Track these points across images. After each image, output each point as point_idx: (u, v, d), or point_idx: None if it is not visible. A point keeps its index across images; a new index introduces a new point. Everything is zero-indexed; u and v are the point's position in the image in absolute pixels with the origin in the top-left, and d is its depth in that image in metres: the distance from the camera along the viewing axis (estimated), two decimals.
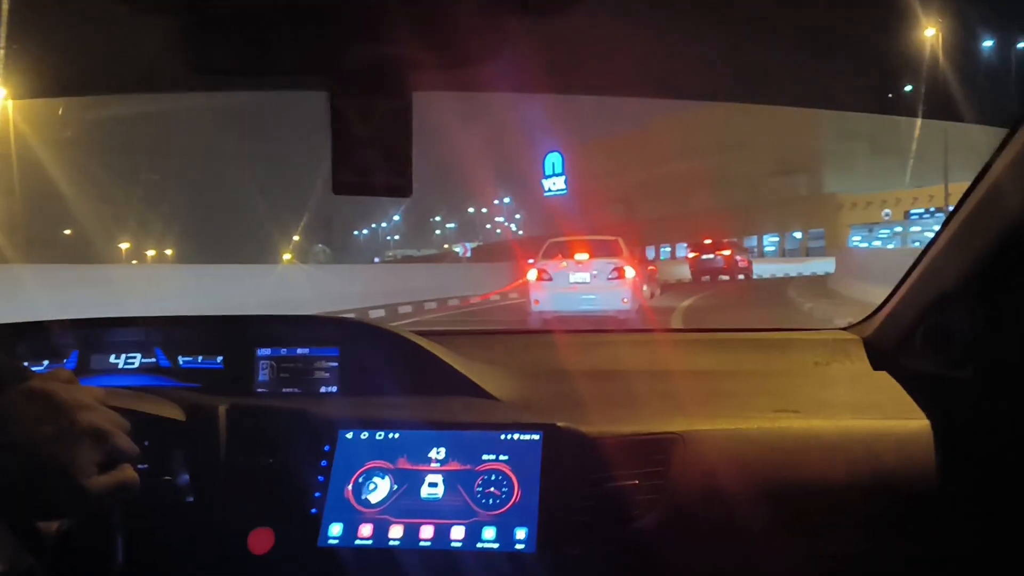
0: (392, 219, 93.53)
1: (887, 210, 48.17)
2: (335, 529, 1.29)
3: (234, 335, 1.64)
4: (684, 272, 32.26)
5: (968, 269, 1.35)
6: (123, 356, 1.64)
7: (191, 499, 1.31)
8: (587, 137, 55.46)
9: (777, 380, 1.57)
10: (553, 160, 52.91)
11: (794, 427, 1.34)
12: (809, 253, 47.62)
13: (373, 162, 1.00)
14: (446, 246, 78.46)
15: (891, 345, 1.56)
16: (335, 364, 1.59)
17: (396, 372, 1.54)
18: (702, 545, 1.26)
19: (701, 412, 1.39)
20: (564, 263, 12.55)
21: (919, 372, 1.46)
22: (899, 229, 50.88)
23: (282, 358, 1.61)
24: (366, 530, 1.28)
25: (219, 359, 1.61)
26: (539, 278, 12.48)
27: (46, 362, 1.61)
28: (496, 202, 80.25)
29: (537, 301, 12.27)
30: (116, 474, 0.90)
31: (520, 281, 17.75)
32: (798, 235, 53.26)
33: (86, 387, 0.95)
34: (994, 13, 1.34)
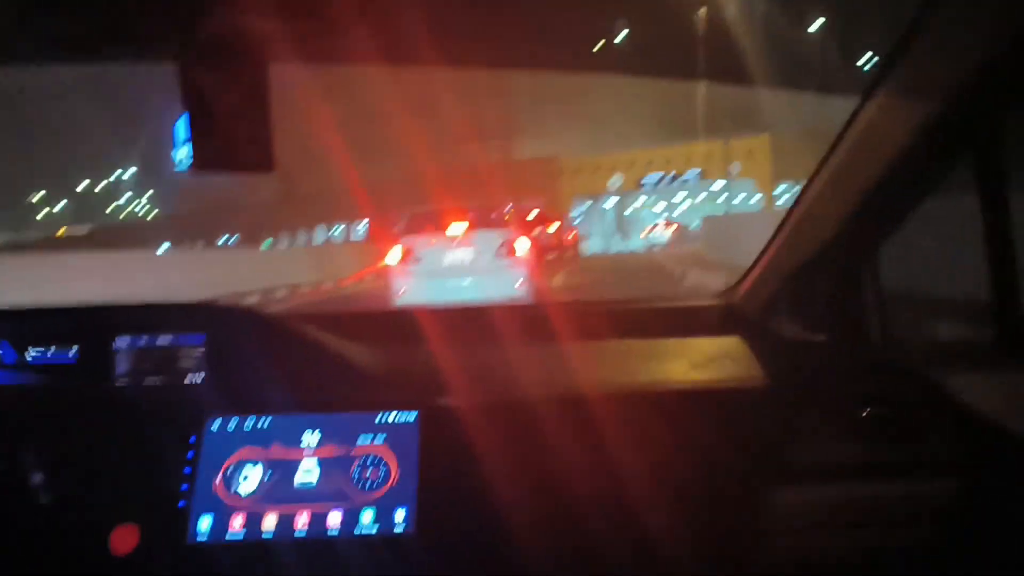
0: None
1: (616, 176, 44.52)
2: (204, 523, 1.36)
3: (88, 325, 1.68)
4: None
5: (826, 236, 1.57)
6: None
7: (46, 500, 1.38)
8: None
9: (648, 348, 1.73)
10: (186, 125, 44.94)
11: (662, 391, 1.52)
12: None
13: (231, 137, 1.06)
14: (63, 230, 71.00)
15: (756, 311, 1.77)
16: (201, 351, 1.61)
17: (267, 356, 1.58)
18: (586, 514, 1.39)
19: (574, 379, 1.57)
20: (435, 239, 10.83)
21: (780, 336, 1.70)
22: (614, 200, 45.93)
23: (143, 348, 1.63)
24: (238, 522, 1.36)
25: (72, 351, 1.63)
26: (404, 260, 10.69)
27: None
28: (115, 177, 73.69)
29: (403, 291, 10.50)
30: None
31: (375, 266, 17.10)
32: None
33: None
34: None
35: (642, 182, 44.90)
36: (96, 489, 1.39)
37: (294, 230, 52.45)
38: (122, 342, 1.62)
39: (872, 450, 1.46)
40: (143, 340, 1.62)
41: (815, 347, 1.66)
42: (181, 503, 1.38)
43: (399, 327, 1.86)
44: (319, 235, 52.71)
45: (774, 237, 1.74)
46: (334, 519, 1.36)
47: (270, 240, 50.04)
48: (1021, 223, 1.43)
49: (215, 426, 1.46)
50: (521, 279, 10.59)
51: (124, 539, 1.34)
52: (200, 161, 1.06)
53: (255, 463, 1.42)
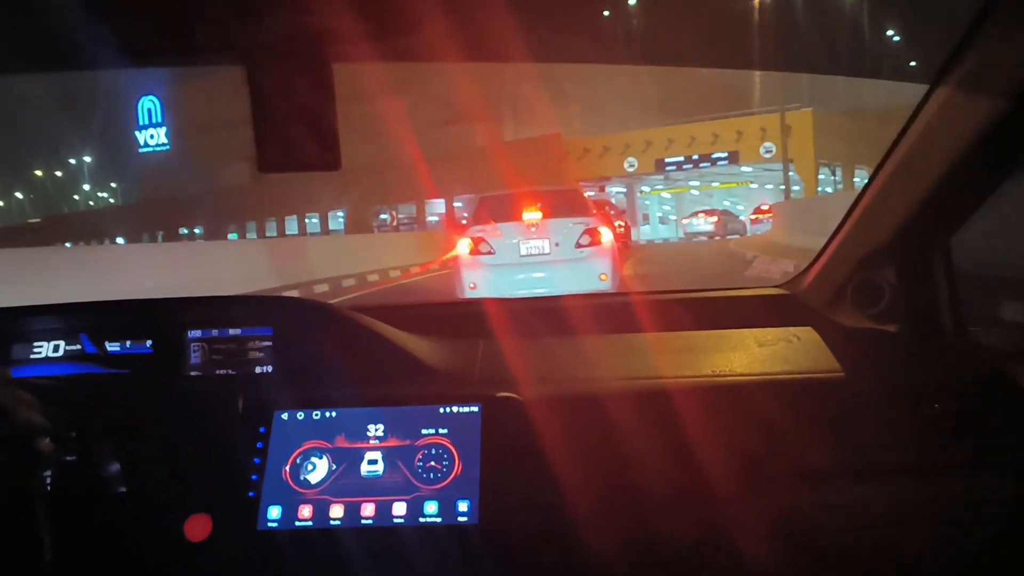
0: None
1: (631, 159, 43.76)
2: (274, 512, 1.54)
3: (163, 318, 1.88)
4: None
5: (895, 225, 1.69)
6: (46, 344, 1.87)
7: (123, 489, 1.54)
8: (192, 77, 50.74)
9: (713, 339, 1.88)
10: (149, 106, 51.10)
11: (728, 382, 1.67)
12: None
13: (297, 137, 1.17)
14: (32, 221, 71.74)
15: (822, 300, 1.91)
16: (269, 344, 1.82)
17: (332, 349, 1.78)
18: (649, 505, 1.52)
19: (637, 372, 1.72)
20: (507, 229, 10.68)
21: (848, 326, 1.82)
22: (620, 189, 44.62)
23: (214, 339, 1.83)
24: (306, 511, 1.53)
25: (148, 343, 1.84)
26: (474, 251, 10.57)
27: None
28: (74, 162, 72.81)
29: (473, 285, 10.40)
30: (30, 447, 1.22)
31: (443, 257, 17.42)
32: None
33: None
34: None
35: (665, 163, 43.06)
36: (171, 479, 1.55)
37: (263, 219, 52.31)
38: (194, 335, 1.83)
39: (942, 445, 1.56)
40: (214, 333, 1.83)
41: (886, 338, 1.76)
42: (251, 493, 1.55)
43: (463, 320, 2.04)
44: (291, 225, 52.60)
45: (841, 225, 1.86)
46: (399, 509, 1.51)
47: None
48: None
49: (284, 418, 1.63)
50: (604, 271, 10.40)
51: (198, 527, 1.50)
52: (266, 162, 1.18)
53: (322, 454, 1.58)
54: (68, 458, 1.46)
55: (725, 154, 40.94)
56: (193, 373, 1.80)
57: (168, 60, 1.47)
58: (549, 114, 45.67)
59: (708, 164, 42.29)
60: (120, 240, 49.25)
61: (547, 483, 1.49)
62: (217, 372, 1.80)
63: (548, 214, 10.84)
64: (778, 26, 1.66)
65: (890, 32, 1.74)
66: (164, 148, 52.12)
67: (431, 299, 11.10)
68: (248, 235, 49.12)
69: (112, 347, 1.82)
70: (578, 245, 10.51)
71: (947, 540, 1.53)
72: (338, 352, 1.74)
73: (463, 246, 10.77)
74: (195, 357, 1.81)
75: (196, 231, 53.15)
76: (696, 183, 50.28)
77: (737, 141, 40.10)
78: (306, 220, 52.19)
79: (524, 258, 10.58)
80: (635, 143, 43.58)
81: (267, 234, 49.90)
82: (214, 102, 48.21)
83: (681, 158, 42.32)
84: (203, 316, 1.84)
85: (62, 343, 1.84)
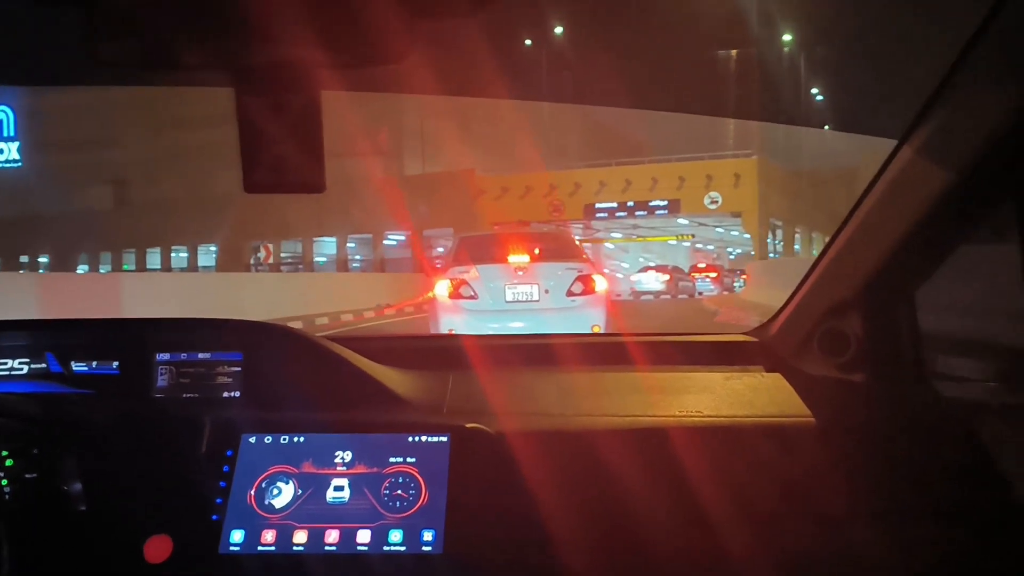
0: None
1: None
2: (237, 535, 1.60)
3: (131, 339, 1.97)
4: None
5: (862, 274, 1.81)
6: (10, 361, 1.94)
7: (84, 508, 1.63)
8: (50, 89, 44.48)
9: (681, 381, 2.01)
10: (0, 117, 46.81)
11: (695, 423, 1.77)
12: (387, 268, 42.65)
13: (284, 159, 1.20)
14: None
15: (789, 348, 2.04)
16: (238, 369, 1.90)
17: (302, 376, 1.87)
18: (612, 542, 1.61)
19: (606, 410, 1.84)
20: (491, 272, 10.67)
21: (814, 375, 1.94)
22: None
23: (182, 363, 1.91)
24: (269, 536, 1.60)
25: (115, 364, 1.92)
26: (454, 294, 10.51)
27: None
28: None
29: (451, 331, 10.06)
30: None
31: (418, 299, 17.59)
32: (394, 241, 45.77)
33: None
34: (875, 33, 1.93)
35: (595, 209, 40.75)
36: (133, 499, 1.63)
37: (121, 249, 49.48)
38: (163, 357, 1.91)
39: (909, 493, 1.64)
40: (183, 356, 1.91)
41: (852, 386, 1.87)
42: (215, 516, 1.62)
43: (434, 353, 2.15)
44: (153, 258, 49.92)
45: (807, 276, 1.98)
46: (363, 536, 1.58)
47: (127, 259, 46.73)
48: None
49: (251, 441, 1.70)
50: (598, 322, 10.26)
51: (158, 548, 1.57)
52: (252, 183, 1.20)
53: (288, 479, 1.65)
54: (29, 475, 1.54)
55: (665, 202, 38.65)
56: (160, 395, 1.89)
57: (155, 79, 1.55)
58: (461, 148, 43.45)
59: (644, 213, 39.91)
60: None
61: (514, 515, 1.58)
62: (184, 395, 1.88)
63: (537, 258, 10.76)
64: (748, 76, 1.75)
65: (860, 88, 1.86)
66: (15, 164, 47.23)
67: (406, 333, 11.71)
68: (102, 268, 46.42)
69: (79, 367, 1.89)
70: (570, 293, 10.38)
71: None
72: (308, 378, 1.83)
73: (441, 288, 10.63)
74: (162, 380, 1.88)
75: (41, 259, 50.07)
76: (618, 235, 46.99)
77: (679, 188, 37.99)
78: (172, 254, 49.75)
79: (510, 304, 10.43)
80: (563, 184, 41.33)
81: (123, 267, 47.23)
82: (74, 119, 46.21)
83: (614, 204, 39.78)
84: (172, 339, 1.92)
85: (27, 360, 1.91)
